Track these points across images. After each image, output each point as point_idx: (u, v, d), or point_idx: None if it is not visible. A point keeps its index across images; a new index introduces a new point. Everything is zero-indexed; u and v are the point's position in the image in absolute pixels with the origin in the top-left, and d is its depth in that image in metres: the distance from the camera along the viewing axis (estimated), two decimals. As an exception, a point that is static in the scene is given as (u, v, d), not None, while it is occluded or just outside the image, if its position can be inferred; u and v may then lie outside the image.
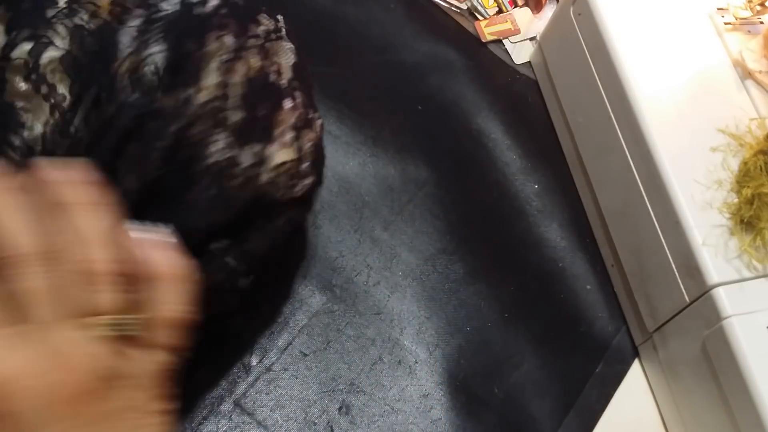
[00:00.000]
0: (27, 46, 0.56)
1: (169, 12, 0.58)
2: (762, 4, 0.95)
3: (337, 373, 0.92)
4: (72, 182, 0.43)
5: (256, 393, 0.90)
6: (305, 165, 0.66)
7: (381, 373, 0.93)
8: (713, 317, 0.77)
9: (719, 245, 0.79)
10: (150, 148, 0.55)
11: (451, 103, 1.11)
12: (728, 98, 0.90)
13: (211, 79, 0.58)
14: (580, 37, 0.98)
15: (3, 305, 0.39)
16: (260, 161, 0.60)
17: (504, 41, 1.19)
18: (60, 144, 0.55)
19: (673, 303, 0.84)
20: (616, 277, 0.99)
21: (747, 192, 0.80)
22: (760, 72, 0.90)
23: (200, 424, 0.86)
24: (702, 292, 0.79)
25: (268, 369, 0.91)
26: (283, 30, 0.67)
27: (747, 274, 0.78)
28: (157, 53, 0.56)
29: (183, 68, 0.57)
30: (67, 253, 0.41)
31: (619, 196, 0.94)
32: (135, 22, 0.57)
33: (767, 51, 0.91)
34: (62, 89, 0.55)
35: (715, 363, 0.78)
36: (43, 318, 0.39)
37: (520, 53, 1.18)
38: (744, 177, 0.82)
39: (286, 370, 0.92)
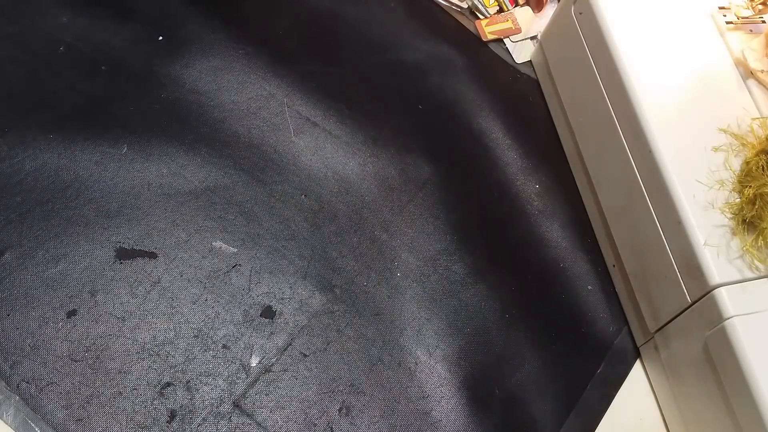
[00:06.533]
0: None
1: None
2: (764, 3, 0.94)
3: (337, 374, 0.92)
4: None
5: (256, 394, 0.89)
6: None
7: (381, 374, 0.93)
8: (715, 318, 0.77)
9: (721, 245, 0.79)
10: None
11: (452, 102, 1.11)
12: (730, 98, 0.90)
13: None
14: (581, 36, 0.98)
15: None
16: None
17: (505, 40, 1.19)
18: None
19: (674, 303, 0.83)
20: (618, 277, 0.99)
21: (749, 192, 0.79)
22: (762, 71, 0.90)
23: (199, 425, 0.86)
24: (704, 292, 0.78)
25: (268, 370, 0.91)
26: None
27: (749, 274, 0.78)
28: None
29: None
30: None
31: (620, 196, 0.94)
32: None
33: (769, 50, 0.91)
34: None
35: (717, 364, 0.77)
36: None
37: (521, 52, 1.18)
38: (746, 177, 0.82)
39: (285, 371, 0.91)
